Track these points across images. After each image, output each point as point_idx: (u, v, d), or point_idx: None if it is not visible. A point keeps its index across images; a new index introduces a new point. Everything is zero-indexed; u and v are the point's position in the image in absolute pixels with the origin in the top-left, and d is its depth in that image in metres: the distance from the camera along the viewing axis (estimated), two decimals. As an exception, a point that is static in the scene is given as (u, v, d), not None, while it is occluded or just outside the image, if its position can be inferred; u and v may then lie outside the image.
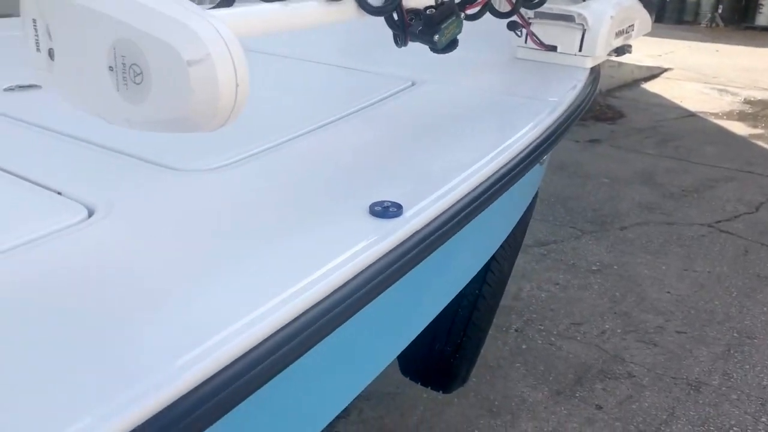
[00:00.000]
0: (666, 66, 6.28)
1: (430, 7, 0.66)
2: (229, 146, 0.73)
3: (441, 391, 1.50)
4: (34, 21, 0.46)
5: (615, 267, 2.56)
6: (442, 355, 1.27)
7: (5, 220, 0.56)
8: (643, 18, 1.30)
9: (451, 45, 0.68)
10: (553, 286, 2.40)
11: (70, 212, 0.57)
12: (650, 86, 5.68)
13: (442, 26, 0.65)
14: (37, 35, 0.46)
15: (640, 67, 5.99)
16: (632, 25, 1.24)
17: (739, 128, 4.48)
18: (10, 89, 0.95)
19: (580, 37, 1.13)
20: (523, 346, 2.07)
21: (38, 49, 0.47)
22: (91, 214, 0.57)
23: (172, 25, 0.37)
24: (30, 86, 0.96)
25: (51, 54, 0.46)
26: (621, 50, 1.22)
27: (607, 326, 2.18)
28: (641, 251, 2.69)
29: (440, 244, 0.59)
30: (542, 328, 2.16)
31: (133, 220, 0.57)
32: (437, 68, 1.10)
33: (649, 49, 6.19)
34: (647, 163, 3.76)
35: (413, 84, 1.02)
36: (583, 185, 3.33)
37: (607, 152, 3.91)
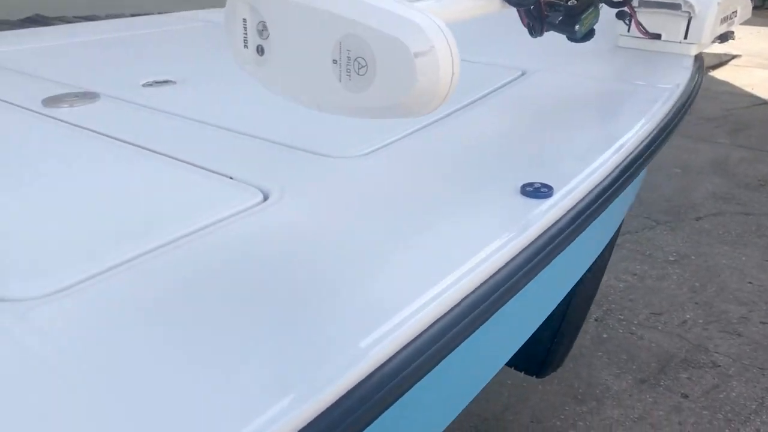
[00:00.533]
0: (734, 53, 6.12)
1: (572, -1, 0.70)
2: (370, 134, 0.78)
3: (534, 376, 1.53)
4: (244, 20, 0.51)
5: (693, 257, 2.54)
6: (540, 339, 1.30)
7: (190, 203, 0.62)
8: (744, 3, 1.29)
9: (589, 34, 0.71)
10: (631, 277, 2.40)
11: (247, 195, 0.63)
12: (718, 74, 5.55)
13: (582, 17, 0.68)
14: (245, 33, 0.51)
15: (707, 54, 5.85)
16: (735, 11, 1.24)
17: (815, 116, 4.35)
18: (148, 84, 1.02)
19: (685, 24, 1.14)
20: (604, 335, 2.08)
21: (246, 46, 0.52)
22: (266, 197, 0.63)
23: (399, 21, 0.41)
24: (165, 81, 1.03)
25: (259, 50, 0.51)
26: (724, 37, 1.22)
27: (688, 316, 2.17)
28: (718, 242, 2.66)
29: (587, 225, 0.63)
30: (622, 318, 2.16)
31: (305, 203, 0.62)
32: (542, 57, 1.13)
33: None
34: (719, 152, 3.69)
35: (523, 73, 1.05)
36: (654, 175, 3.29)
37: (677, 141, 3.85)
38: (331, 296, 0.48)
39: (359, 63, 0.43)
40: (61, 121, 0.84)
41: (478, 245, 0.55)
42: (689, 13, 1.13)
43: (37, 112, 0.88)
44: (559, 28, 0.70)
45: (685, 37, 1.15)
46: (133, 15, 4.44)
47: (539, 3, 0.67)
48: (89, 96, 0.94)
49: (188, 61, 1.20)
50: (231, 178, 0.67)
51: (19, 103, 0.91)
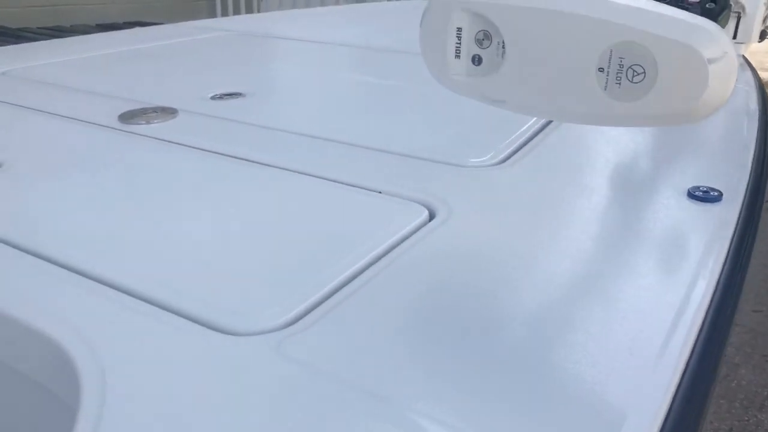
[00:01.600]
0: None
1: (710, 1, 0.70)
2: (483, 139, 0.77)
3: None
4: (459, 30, 0.49)
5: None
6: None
7: (358, 221, 0.59)
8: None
9: (721, 37, 0.71)
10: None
11: (412, 213, 0.60)
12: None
13: (719, 18, 0.69)
14: (458, 42, 0.49)
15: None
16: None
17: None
18: (217, 97, 0.97)
19: (735, 23, 1.16)
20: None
21: (457, 56, 0.50)
22: (432, 214, 0.60)
23: (686, 27, 0.40)
24: (233, 94, 0.99)
25: (476, 60, 0.49)
26: (763, 34, 1.25)
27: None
28: None
29: (755, 232, 0.63)
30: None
31: (476, 220, 0.60)
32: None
33: None
34: None
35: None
36: None
37: None
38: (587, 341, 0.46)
39: (634, 71, 0.42)
40: (158, 139, 0.79)
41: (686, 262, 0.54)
42: (740, 12, 1.15)
43: (119, 130, 0.83)
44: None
45: (735, 37, 1.17)
46: (98, 25, 4.31)
47: (681, 5, 0.67)
48: (168, 111, 0.89)
49: (242, 73, 1.15)
50: (379, 192, 0.65)
51: (98, 122, 0.85)
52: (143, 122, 0.85)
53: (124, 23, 4.40)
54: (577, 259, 0.54)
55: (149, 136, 0.80)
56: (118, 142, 0.79)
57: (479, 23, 0.48)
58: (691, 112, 0.41)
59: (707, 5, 0.70)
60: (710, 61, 0.39)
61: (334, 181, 0.67)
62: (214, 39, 1.47)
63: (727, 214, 0.61)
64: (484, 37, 0.49)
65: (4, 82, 1.08)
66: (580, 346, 0.42)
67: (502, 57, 0.48)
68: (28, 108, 0.92)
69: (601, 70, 0.43)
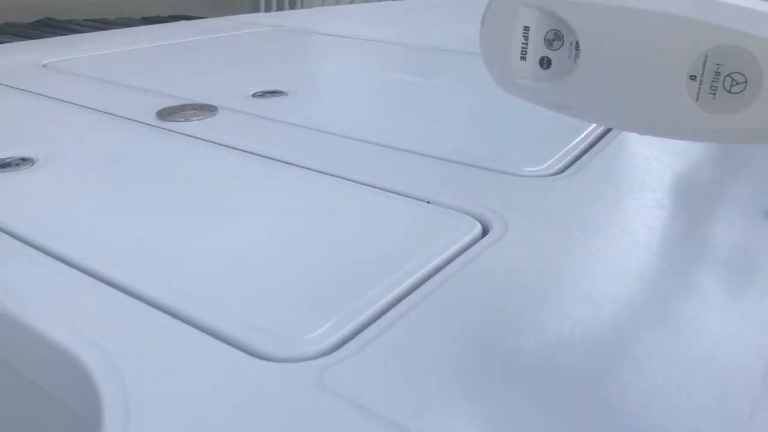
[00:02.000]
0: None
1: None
2: (536, 145, 0.72)
3: None
4: (526, 29, 0.44)
5: None
6: None
7: (406, 233, 0.54)
8: None
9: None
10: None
11: (463, 226, 0.56)
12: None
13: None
14: (525, 43, 0.44)
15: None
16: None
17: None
18: (258, 95, 0.94)
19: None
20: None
21: (523, 58, 0.45)
22: (485, 228, 0.56)
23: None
24: (275, 92, 0.95)
25: (544, 62, 0.44)
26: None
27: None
28: None
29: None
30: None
31: (535, 237, 0.55)
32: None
33: None
34: None
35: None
36: None
37: None
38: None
39: (733, 79, 0.36)
40: (195, 138, 0.76)
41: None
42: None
43: (157, 127, 0.80)
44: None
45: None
46: (143, 18, 4.35)
47: None
48: (207, 109, 0.86)
49: (285, 70, 1.12)
50: (428, 202, 0.60)
51: (135, 118, 0.82)
52: (182, 119, 0.82)
53: (169, 16, 4.43)
54: (645, 284, 0.49)
55: (187, 134, 0.77)
56: (154, 140, 0.76)
57: (550, 22, 0.43)
58: (796, 129, 0.36)
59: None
60: (829, 71, 0.34)
61: (379, 188, 0.62)
62: (259, 34, 1.44)
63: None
64: (555, 38, 0.44)
65: (45, 75, 1.06)
66: (657, 391, 0.37)
67: (575, 60, 0.43)
68: (66, 102, 0.89)
69: (692, 77, 0.38)
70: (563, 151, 0.71)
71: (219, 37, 1.38)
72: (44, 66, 1.10)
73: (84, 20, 3.94)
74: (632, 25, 0.39)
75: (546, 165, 0.68)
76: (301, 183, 0.64)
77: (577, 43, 0.43)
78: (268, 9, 5.05)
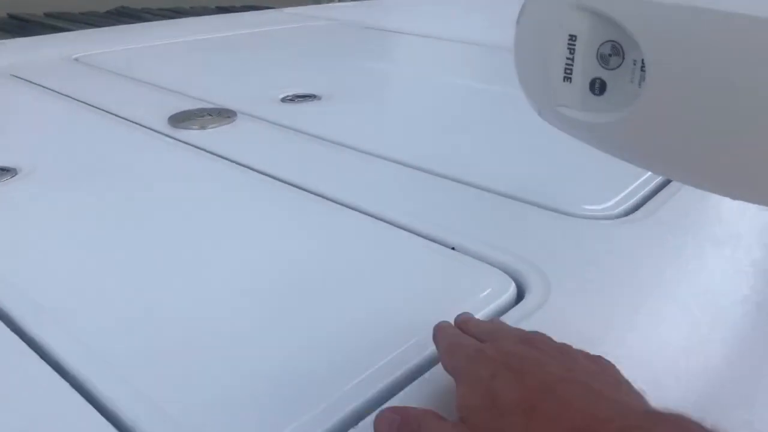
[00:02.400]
0: None
1: None
2: (605, 178, 0.58)
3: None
4: (572, 38, 0.31)
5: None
6: None
7: (415, 297, 0.43)
8: None
9: None
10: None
11: (493, 284, 0.43)
12: None
13: None
14: (571, 59, 0.32)
15: None
16: None
17: None
18: (288, 100, 0.84)
19: None
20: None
21: (568, 79, 0.32)
22: (521, 290, 0.43)
23: None
24: (307, 96, 0.85)
25: (596, 86, 0.31)
26: None
27: None
28: None
29: None
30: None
31: (581, 301, 0.42)
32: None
33: None
34: None
35: None
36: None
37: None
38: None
39: None
40: (202, 150, 0.66)
41: None
42: None
43: (165, 135, 0.70)
44: None
45: None
46: (218, 8, 4.35)
47: None
48: (225, 114, 0.76)
49: (328, 70, 1.01)
50: (453, 248, 0.48)
51: (144, 123, 0.74)
52: (195, 127, 0.73)
53: (242, 6, 4.40)
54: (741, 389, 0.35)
55: (194, 145, 0.67)
56: (155, 153, 0.67)
57: (606, 30, 0.31)
58: None
59: None
60: None
61: (398, 226, 0.51)
62: (312, 29, 1.34)
63: None
64: (613, 52, 0.31)
65: (72, 69, 1.00)
66: None
67: (639, 84, 0.30)
68: (81, 102, 0.82)
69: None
70: (634, 186, 0.57)
71: (266, 32, 1.29)
72: (75, 60, 1.04)
73: (158, 9, 3.96)
74: (724, 35, 0.26)
75: (611, 203, 0.54)
76: (306, 212, 0.54)
77: (642, 61, 0.30)
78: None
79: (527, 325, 0.38)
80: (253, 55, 1.11)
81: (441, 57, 1.13)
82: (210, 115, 0.76)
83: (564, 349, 0.30)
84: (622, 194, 0.55)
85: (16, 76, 0.94)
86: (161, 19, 3.86)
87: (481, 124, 0.76)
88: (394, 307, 0.41)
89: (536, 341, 0.31)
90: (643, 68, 0.30)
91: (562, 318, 0.40)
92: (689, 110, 0.28)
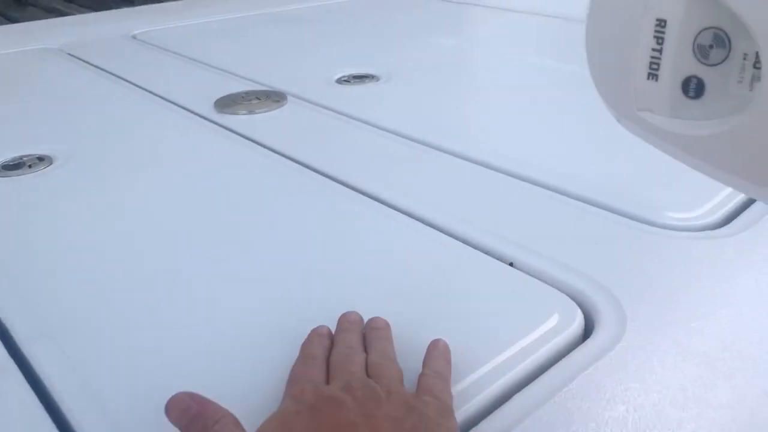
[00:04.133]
0: None
1: None
2: (695, 183, 0.50)
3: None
4: (661, 23, 0.24)
5: None
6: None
7: (461, 325, 0.36)
8: None
9: None
10: None
11: (557, 310, 0.37)
12: None
13: None
14: (659, 50, 0.24)
15: None
16: None
17: None
18: (344, 80, 0.78)
19: None
20: None
21: (653, 76, 0.25)
22: (590, 321, 0.36)
23: None
24: (365, 77, 0.79)
25: (691, 87, 0.25)
26: None
27: None
28: None
29: None
30: None
31: (663, 336, 0.35)
32: None
33: None
34: None
35: None
36: None
37: None
38: None
39: None
40: (245, 138, 0.61)
41: None
42: None
43: (209, 121, 0.66)
44: None
45: None
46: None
47: None
48: (274, 98, 0.71)
49: (390, 46, 0.95)
50: (511, 264, 0.41)
51: (191, 107, 0.70)
52: (244, 111, 0.68)
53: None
54: None
55: (238, 132, 0.63)
56: (199, 141, 0.63)
57: (706, 14, 0.23)
58: None
59: None
60: None
61: (450, 234, 0.44)
62: (389, 1, 1.26)
63: None
64: (715, 43, 0.24)
65: (127, 47, 0.97)
66: None
67: (750, 86, 0.23)
68: (131, 83, 0.79)
69: None
70: (725, 194, 0.48)
71: (329, 5, 1.22)
72: (133, 37, 1.01)
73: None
74: None
75: (701, 212, 0.46)
76: (351, 214, 0.48)
77: (757, 55, 0.23)
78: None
79: (587, 377, 0.32)
80: (311, 29, 1.06)
81: (516, 32, 1.04)
82: (258, 98, 0.71)
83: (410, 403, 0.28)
84: (715, 201, 0.47)
85: (72, 55, 0.92)
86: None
87: (555, 112, 0.68)
88: (429, 336, 0.35)
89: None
90: (757, 65, 0.23)
91: (637, 364, 0.33)
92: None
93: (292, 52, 0.91)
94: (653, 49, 0.25)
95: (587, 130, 0.61)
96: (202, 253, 0.43)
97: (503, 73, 0.82)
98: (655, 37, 0.25)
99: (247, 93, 0.72)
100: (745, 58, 0.23)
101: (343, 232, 0.46)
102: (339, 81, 0.77)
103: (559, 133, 0.61)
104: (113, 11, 1.22)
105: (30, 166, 0.57)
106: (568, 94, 0.71)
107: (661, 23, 0.25)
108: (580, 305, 0.37)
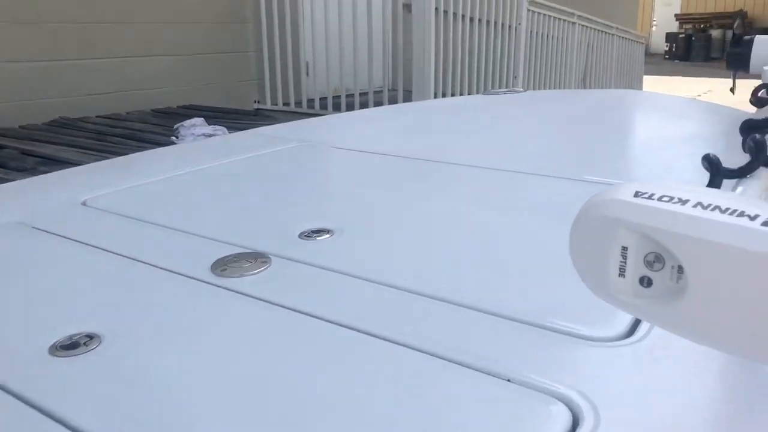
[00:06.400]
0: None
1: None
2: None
3: None
4: (624, 249, 0.44)
5: None
6: None
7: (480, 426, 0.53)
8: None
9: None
10: None
11: (550, 414, 0.54)
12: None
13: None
14: (623, 262, 0.45)
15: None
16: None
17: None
18: (305, 236, 0.94)
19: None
20: None
21: (622, 275, 0.45)
22: (576, 421, 0.54)
23: None
24: (320, 231, 0.95)
25: (644, 281, 0.44)
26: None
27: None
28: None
29: None
30: None
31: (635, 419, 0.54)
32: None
33: (687, 89, 6.12)
34: None
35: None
36: None
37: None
38: None
39: None
40: (256, 299, 0.75)
41: None
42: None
43: (213, 285, 0.79)
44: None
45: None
46: (154, 111, 4.42)
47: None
48: (261, 258, 0.86)
49: (326, 199, 1.12)
50: (509, 380, 0.59)
51: (184, 271, 0.82)
52: (236, 275, 0.82)
53: (179, 107, 4.52)
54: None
55: (243, 293, 0.76)
56: (209, 303, 0.75)
57: (650, 246, 0.44)
58: None
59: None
60: None
61: (449, 360, 0.61)
62: (289, 152, 1.45)
63: None
64: (656, 260, 0.44)
65: (84, 215, 1.06)
66: None
67: (678, 281, 0.43)
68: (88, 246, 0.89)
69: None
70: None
71: (250, 159, 1.39)
72: (83, 204, 1.10)
73: (96, 117, 4.02)
74: (745, 267, 0.39)
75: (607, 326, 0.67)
76: (365, 357, 0.64)
77: (680, 267, 0.43)
78: (273, 96, 5.10)
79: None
80: (253, 185, 1.21)
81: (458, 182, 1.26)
82: (249, 261, 0.85)
83: None
84: (620, 315, 0.68)
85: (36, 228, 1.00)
86: (103, 127, 3.90)
87: (494, 249, 0.88)
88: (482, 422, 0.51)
89: None
90: (680, 271, 0.43)
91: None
92: (725, 310, 0.41)
93: (245, 211, 1.06)
94: (620, 262, 0.45)
95: (530, 264, 0.82)
96: None
97: (439, 218, 1.02)
98: (621, 255, 0.45)
99: (238, 256, 0.86)
100: (672, 267, 0.44)
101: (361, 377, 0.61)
102: (301, 236, 0.93)
103: (517, 265, 0.81)
104: (42, 177, 1.29)
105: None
106: (500, 234, 0.92)
107: (624, 249, 0.45)
108: (569, 405, 0.55)
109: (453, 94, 4.96)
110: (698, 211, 0.41)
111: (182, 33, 4.63)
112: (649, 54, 20.40)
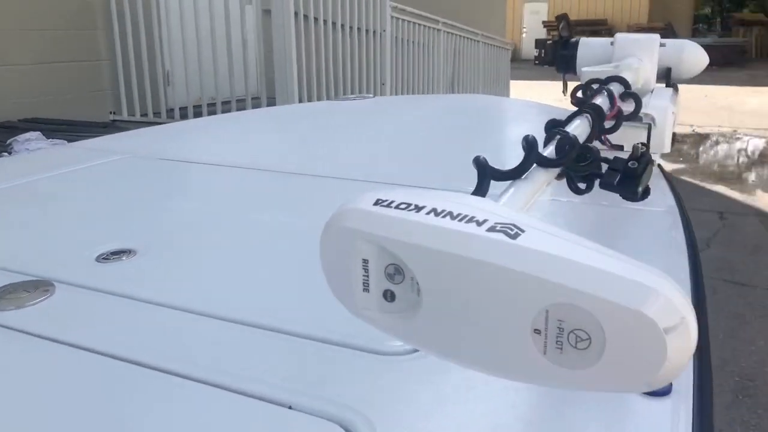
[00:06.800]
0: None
1: (631, 159, 0.65)
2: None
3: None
4: (365, 261, 0.41)
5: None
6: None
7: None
8: (678, 102, 1.35)
9: (646, 192, 0.67)
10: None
11: (327, 436, 0.51)
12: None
13: (642, 176, 0.64)
14: (366, 275, 0.42)
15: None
16: (675, 113, 1.28)
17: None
18: (103, 258, 0.87)
19: (646, 135, 1.15)
20: None
21: (366, 290, 0.42)
22: (349, 434, 0.51)
23: (636, 289, 0.33)
24: (121, 252, 0.88)
25: (388, 295, 0.42)
26: (673, 139, 1.25)
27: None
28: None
29: None
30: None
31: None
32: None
33: (550, 93, 6.45)
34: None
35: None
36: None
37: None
38: None
39: (578, 336, 0.35)
40: (30, 335, 0.68)
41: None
42: (650, 124, 1.14)
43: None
44: (616, 188, 0.65)
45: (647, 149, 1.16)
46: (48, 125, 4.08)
47: (595, 163, 0.63)
48: (43, 286, 0.78)
49: (136, 217, 1.05)
50: (290, 407, 0.55)
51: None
52: (12, 307, 0.73)
53: (19, 121, 4.21)
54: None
55: (19, 330, 0.68)
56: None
57: (388, 257, 0.41)
58: (648, 384, 0.35)
59: (629, 164, 0.65)
60: (667, 330, 0.33)
61: (220, 386, 0.57)
62: (108, 166, 1.35)
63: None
64: (396, 272, 0.41)
65: None
66: None
67: (418, 294, 0.41)
68: None
69: (537, 331, 0.36)
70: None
71: (61, 175, 1.28)
72: None
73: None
74: (468, 274, 0.37)
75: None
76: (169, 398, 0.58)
77: (416, 279, 0.40)
78: (130, 106, 4.87)
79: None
80: (56, 204, 1.11)
81: (244, 186, 1.21)
82: (27, 291, 0.76)
83: None
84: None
85: None
86: None
87: (301, 264, 0.84)
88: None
89: None
90: (417, 283, 0.40)
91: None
92: (455, 321, 0.38)
93: (41, 232, 0.97)
94: (363, 275, 0.42)
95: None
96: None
97: (243, 232, 0.97)
98: (363, 268, 0.42)
99: (15, 285, 0.77)
100: (411, 279, 0.41)
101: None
102: (98, 259, 0.85)
103: (304, 283, 0.78)
104: None
105: None
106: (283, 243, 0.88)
107: (366, 261, 0.42)
108: (343, 425, 0.52)
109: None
110: (430, 219, 0.39)
111: (24, 41, 4.32)
112: (520, 60, 21.33)
